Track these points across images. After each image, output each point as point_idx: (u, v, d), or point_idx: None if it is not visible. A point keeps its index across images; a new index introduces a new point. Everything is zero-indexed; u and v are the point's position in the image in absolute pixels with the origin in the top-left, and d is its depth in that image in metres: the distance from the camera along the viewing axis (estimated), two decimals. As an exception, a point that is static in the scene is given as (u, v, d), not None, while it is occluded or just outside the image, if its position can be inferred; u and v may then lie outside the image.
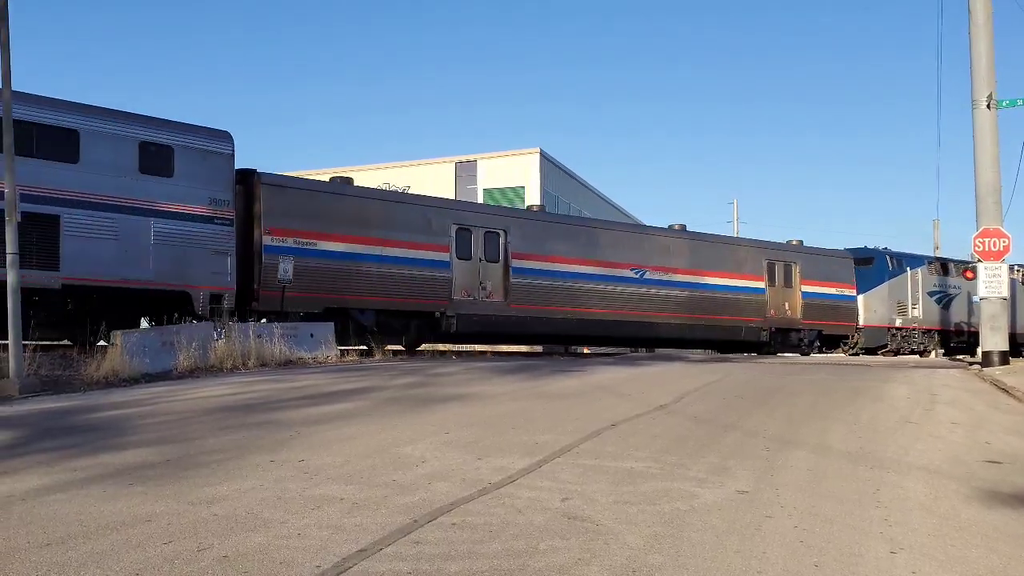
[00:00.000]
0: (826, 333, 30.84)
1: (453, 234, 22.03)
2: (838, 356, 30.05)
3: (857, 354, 30.51)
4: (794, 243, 31.15)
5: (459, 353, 23.82)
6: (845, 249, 32.75)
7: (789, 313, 29.31)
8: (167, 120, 18.24)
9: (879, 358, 28.03)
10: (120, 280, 16.68)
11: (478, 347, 25.84)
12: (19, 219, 12.65)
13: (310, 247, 19.51)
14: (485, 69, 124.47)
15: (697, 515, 5.00)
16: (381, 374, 13.90)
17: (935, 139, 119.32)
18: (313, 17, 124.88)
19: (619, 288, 25.29)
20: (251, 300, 18.84)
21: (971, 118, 18.16)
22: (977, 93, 18.04)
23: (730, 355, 26.79)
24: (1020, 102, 18.21)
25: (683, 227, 28.24)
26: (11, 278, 12.38)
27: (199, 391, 11.58)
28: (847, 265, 31.44)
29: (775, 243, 30.91)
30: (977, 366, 18.08)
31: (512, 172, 39.13)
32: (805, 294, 29.59)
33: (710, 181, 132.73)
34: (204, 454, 6.81)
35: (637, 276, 25.79)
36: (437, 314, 21.67)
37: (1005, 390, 12.67)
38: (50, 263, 15.85)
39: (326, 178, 24.00)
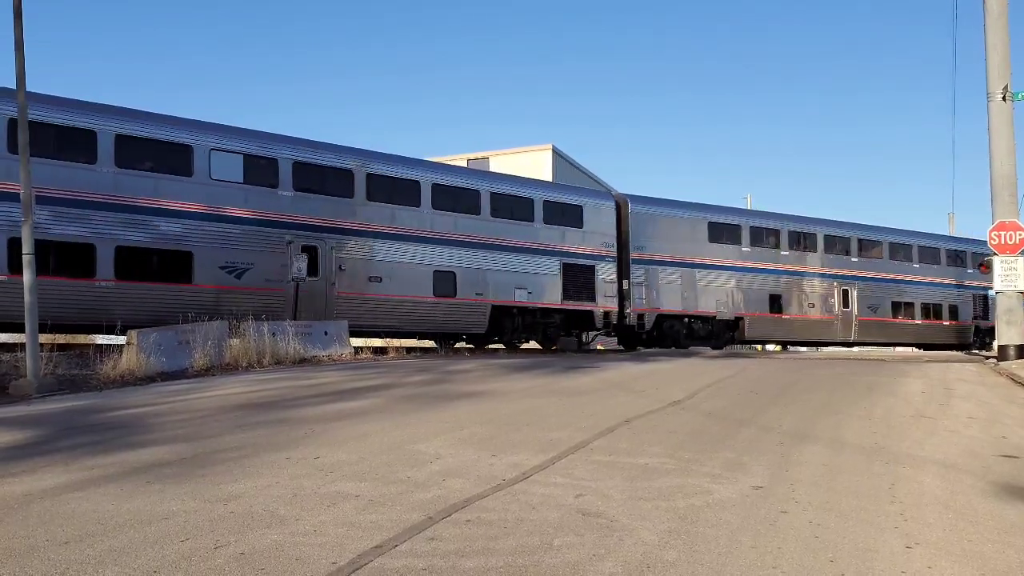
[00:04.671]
0: None
1: None
2: (855, 351, 30.83)
3: None
4: None
5: (472, 351, 24.18)
6: None
7: None
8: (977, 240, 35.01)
9: (892, 351, 28.44)
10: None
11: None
12: (34, 217, 12.81)
13: None
14: (494, 63, 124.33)
15: (712, 511, 5.00)
16: (395, 372, 13.93)
17: (951, 130, 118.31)
18: (324, 12, 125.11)
19: None
20: None
21: (986, 110, 18.01)
22: (992, 85, 17.85)
23: (746, 351, 27.31)
24: (1037, 94, 18.00)
25: None
26: (27, 277, 12.38)
27: (215, 389, 11.64)
28: None
29: None
30: (993, 360, 17.94)
31: (524, 168, 39.09)
32: None
33: (721, 173, 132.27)
34: (220, 452, 6.86)
35: None
36: None
37: (1021, 384, 12.57)
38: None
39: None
